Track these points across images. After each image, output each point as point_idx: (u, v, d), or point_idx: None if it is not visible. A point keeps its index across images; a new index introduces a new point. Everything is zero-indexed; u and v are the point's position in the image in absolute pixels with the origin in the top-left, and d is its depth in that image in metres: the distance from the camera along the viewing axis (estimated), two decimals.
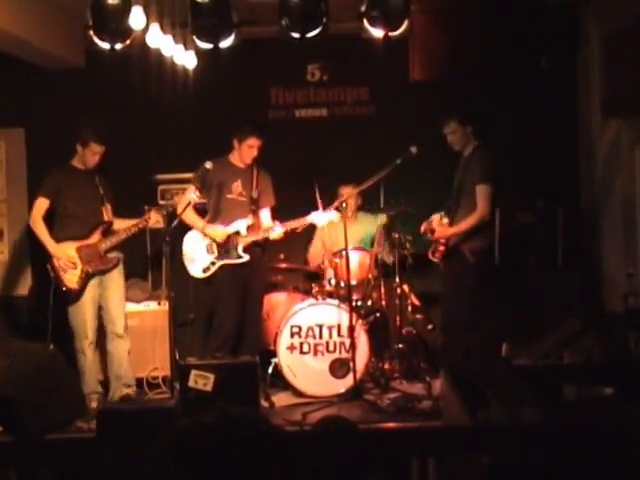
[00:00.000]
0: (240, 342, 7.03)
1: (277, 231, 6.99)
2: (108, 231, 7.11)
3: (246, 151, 7.08)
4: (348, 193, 7.45)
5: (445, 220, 6.91)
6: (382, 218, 7.65)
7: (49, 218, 7.02)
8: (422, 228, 7.08)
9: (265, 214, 7.26)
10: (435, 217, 7.02)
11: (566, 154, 8.31)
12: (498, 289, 7.47)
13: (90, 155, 6.98)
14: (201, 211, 7.28)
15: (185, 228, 7.15)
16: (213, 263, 7.05)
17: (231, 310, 7.01)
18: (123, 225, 7.16)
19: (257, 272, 7.19)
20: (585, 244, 7.99)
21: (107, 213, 7.14)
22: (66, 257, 6.91)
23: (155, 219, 6.98)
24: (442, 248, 6.90)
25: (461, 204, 6.81)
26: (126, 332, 7.19)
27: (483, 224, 6.67)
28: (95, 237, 7.03)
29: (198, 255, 7.08)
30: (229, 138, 7.15)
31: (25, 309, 8.26)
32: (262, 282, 7.37)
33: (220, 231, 7.04)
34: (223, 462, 1.41)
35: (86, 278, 6.95)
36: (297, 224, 7.00)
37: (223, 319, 7.05)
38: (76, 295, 6.94)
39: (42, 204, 6.98)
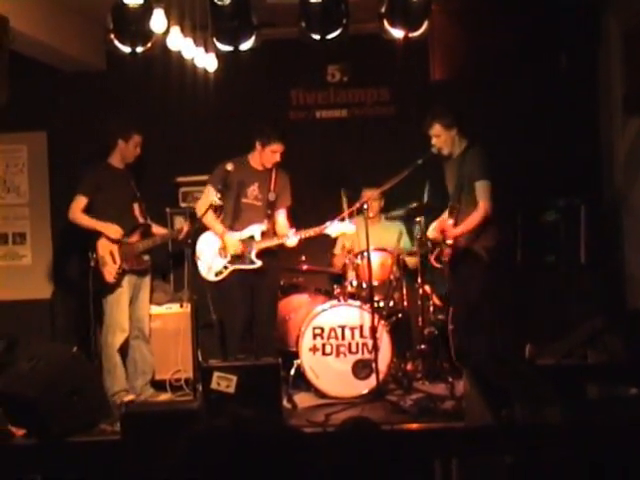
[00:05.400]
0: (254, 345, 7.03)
1: (292, 239, 6.92)
2: (147, 233, 7.21)
3: (269, 156, 7.00)
4: (369, 195, 7.41)
5: (450, 221, 6.84)
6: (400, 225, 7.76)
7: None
8: (432, 234, 7.03)
9: (281, 215, 7.20)
10: (441, 220, 6.97)
11: (587, 152, 8.26)
12: (516, 287, 7.46)
13: (133, 147, 7.21)
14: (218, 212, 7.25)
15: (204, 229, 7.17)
16: (226, 267, 7.02)
17: (237, 313, 7.00)
18: (158, 230, 7.29)
19: (267, 277, 7.12)
20: (607, 243, 7.94)
21: (141, 213, 7.24)
22: (116, 237, 7.01)
23: (186, 232, 7.00)
24: (449, 251, 6.83)
25: (463, 204, 6.76)
26: (149, 335, 7.33)
27: (488, 219, 6.64)
28: (135, 237, 7.14)
29: (211, 258, 7.06)
30: (250, 138, 7.11)
31: (48, 312, 8.30)
32: (273, 287, 7.29)
33: (236, 241, 6.97)
34: (239, 465, 1.40)
35: (121, 275, 7.05)
36: (312, 233, 6.93)
37: (231, 322, 7.07)
38: (112, 288, 7.02)
39: (80, 202, 7.07)
